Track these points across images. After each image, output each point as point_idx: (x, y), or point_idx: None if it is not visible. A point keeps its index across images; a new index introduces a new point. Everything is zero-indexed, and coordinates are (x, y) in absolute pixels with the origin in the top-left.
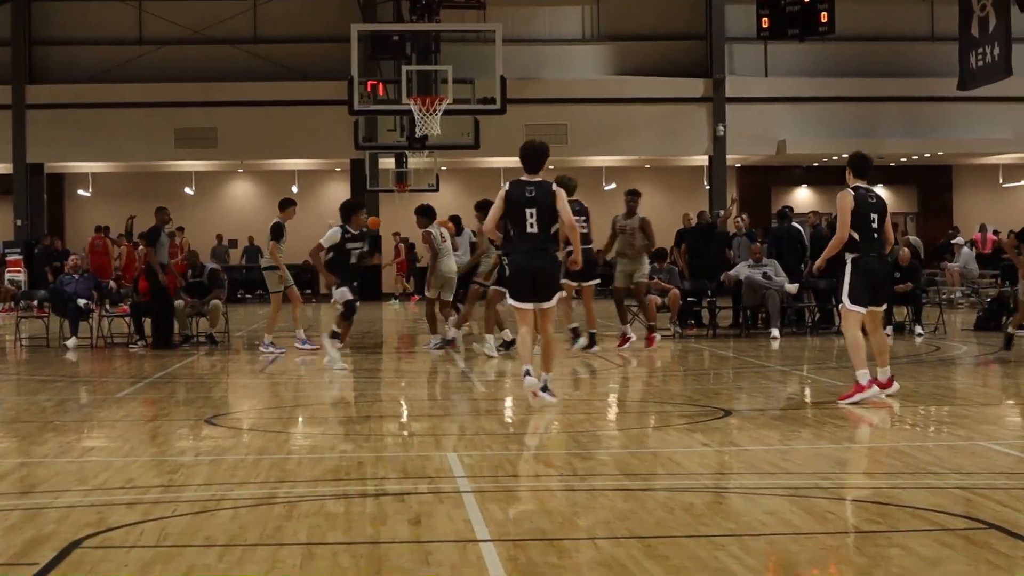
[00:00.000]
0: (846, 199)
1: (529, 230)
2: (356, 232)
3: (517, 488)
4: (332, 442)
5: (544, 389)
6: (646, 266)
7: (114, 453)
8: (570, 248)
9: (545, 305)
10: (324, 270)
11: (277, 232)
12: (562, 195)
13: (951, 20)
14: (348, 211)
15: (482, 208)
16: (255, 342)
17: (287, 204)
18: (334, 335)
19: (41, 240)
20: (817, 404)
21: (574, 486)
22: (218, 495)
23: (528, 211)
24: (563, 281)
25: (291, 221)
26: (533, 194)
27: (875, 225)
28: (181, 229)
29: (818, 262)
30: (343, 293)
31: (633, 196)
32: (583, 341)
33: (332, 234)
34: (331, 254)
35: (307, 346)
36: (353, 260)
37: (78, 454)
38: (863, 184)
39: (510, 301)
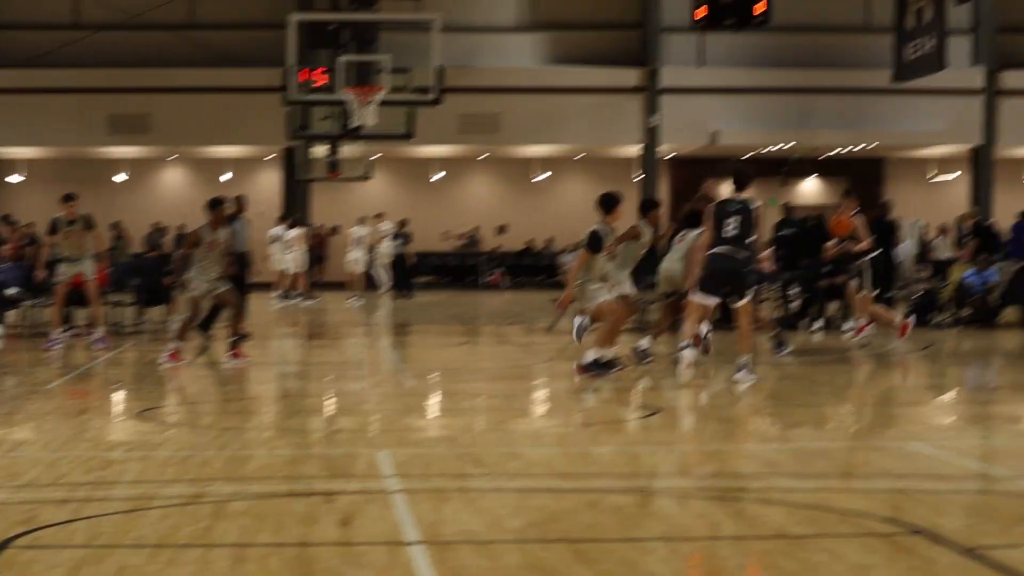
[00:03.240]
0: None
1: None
2: None
3: (447, 488)
4: (261, 438)
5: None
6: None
7: (44, 448)
8: None
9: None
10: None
11: None
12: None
13: (887, 11)
14: None
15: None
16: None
17: None
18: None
19: None
20: (749, 404)
21: (503, 486)
22: (149, 493)
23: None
24: None
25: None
26: None
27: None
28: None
29: None
30: None
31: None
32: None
33: None
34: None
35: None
36: None
37: (7, 448)
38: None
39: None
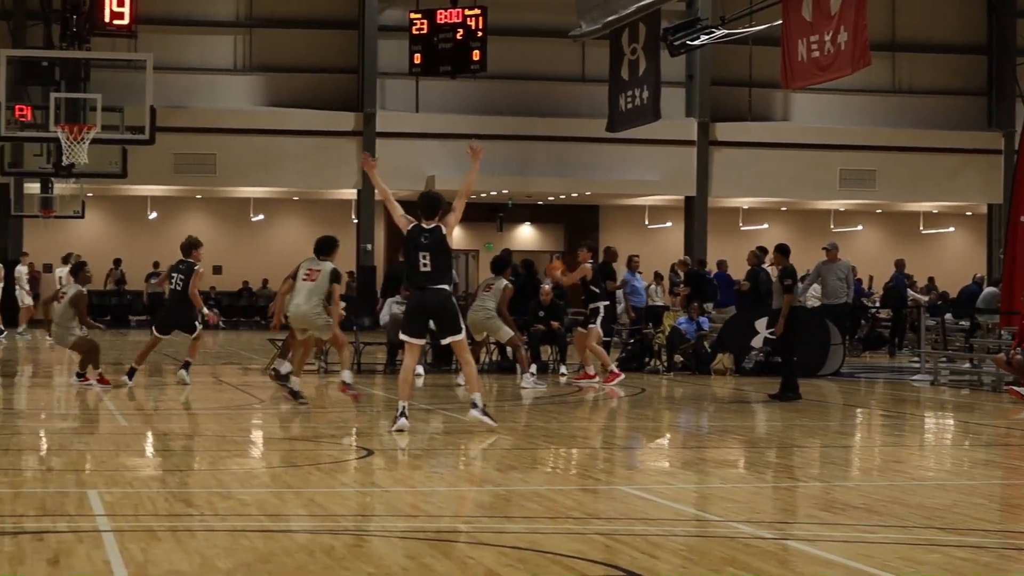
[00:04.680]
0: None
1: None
2: None
3: (157, 528)
4: None
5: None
6: None
7: None
8: None
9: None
10: None
11: None
12: None
13: (602, 62)
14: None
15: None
16: None
17: None
18: None
19: None
20: (462, 447)
21: (214, 526)
22: None
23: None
24: None
25: None
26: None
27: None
28: None
29: None
30: None
31: None
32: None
33: None
34: None
35: None
36: None
37: None
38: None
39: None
